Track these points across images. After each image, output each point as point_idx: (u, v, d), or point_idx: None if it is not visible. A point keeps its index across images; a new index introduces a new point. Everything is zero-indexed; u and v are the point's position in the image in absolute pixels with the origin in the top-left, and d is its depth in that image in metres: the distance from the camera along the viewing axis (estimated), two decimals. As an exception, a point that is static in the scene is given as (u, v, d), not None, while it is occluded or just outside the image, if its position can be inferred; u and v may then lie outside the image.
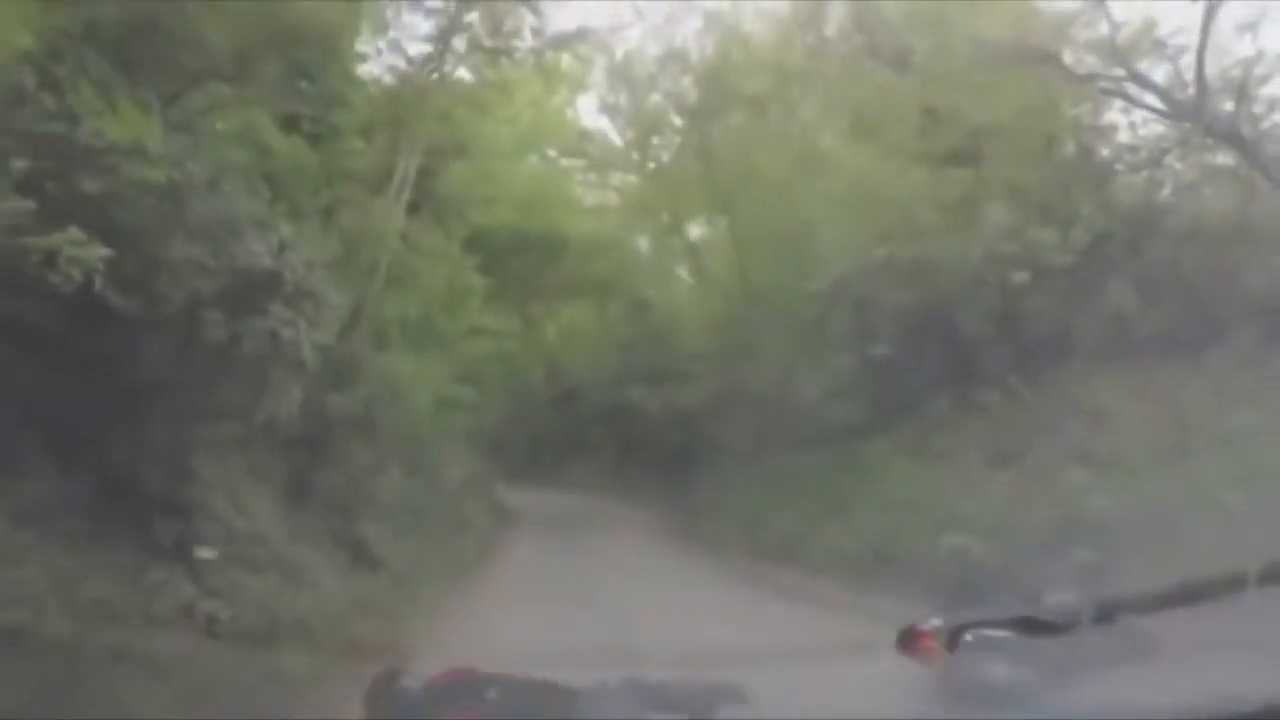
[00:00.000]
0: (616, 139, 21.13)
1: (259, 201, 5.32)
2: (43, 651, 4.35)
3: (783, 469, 13.43)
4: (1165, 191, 9.80)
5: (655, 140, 20.87)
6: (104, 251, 3.74)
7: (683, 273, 22.63)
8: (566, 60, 17.10)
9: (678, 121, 19.92)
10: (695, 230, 21.02)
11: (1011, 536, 8.12)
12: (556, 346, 25.43)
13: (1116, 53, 9.49)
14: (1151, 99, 9.30)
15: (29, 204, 3.56)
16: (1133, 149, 10.03)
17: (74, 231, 3.63)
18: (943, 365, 10.57)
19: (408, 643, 7.42)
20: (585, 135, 20.82)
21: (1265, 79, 10.81)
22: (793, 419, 13.91)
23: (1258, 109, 10.43)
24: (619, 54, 18.76)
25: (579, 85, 19.85)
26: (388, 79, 10.20)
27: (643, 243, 23.17)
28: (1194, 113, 8.84)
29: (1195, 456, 7.96)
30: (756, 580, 11.29)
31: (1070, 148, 10.66)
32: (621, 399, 21.33)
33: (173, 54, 4.82)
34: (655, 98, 19.73)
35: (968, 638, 5.13)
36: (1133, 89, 9.37)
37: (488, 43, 11.47)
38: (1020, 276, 8.92)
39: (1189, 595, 5.25)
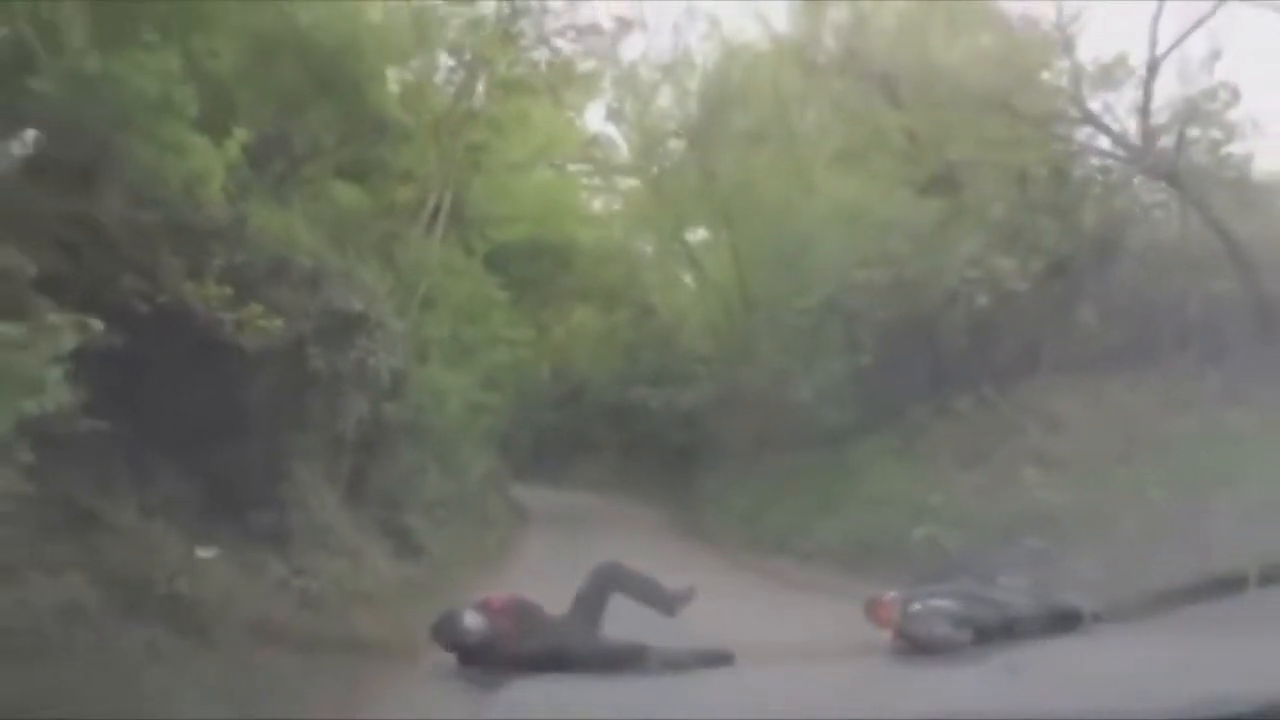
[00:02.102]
0: (622, 144, 22.21)
1: (341, 251, 6.46)
2: (175, 613, 5.51)
3: (778, 467, 14.57)
4: (1120, 221, 10.90)
5: (659, 147, 21.94)
6: (279, 322, 4.89)
7: (687, 278, 23.65)
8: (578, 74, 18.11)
9: (680, 133, 21.01)
10: (698, 239, 22.08)
11: (975, 527, 9.28)
12: (563, 347, 26.36)
13: (1075, 97, 10.61)
14: (1104, 140, 10.44)
15: (228, 290, 4.70)
16: (1090, 182, 11.14)
17: (255, 307, 4.76)
18: (922, 375, 11.75)
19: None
20: (592, 141, 21.81)
21: (1207, 117, 12.05)
22: (787, 421, 15.05)
23: (1198, 149, 11.67)
24: (624, 62, 19.84)
25: (588, 95, 20.83)
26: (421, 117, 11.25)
27: (649, 251, 24.22)
28: (1139, 154, 9.96)
29: (1135, 459, 9.12)
30: (753, 569, 12.43)
31: (1040, 179, 11.76)
32: (626, 399, 22.20)
33: (284, 146, 5.93)
34: (660, 104, 20.78)
35: (916, 606, 6.41)
36: (1089, 131, 10.50)
37: (510, 74, 12.53)
38: (982, 300, 10.06)
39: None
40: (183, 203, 4.87)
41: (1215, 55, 11.95)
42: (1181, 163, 9.90)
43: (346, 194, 7.60)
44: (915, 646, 6.31)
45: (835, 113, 13.71)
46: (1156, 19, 10.09)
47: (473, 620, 4.46)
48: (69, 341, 3.14)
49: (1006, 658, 6.04)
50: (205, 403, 5.95)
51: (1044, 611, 6.93)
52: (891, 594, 6.67)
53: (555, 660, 4.41)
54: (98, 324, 3.27)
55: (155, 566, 5.04)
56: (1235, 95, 12.64)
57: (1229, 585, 5.64)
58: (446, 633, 4.55)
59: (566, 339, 25.79)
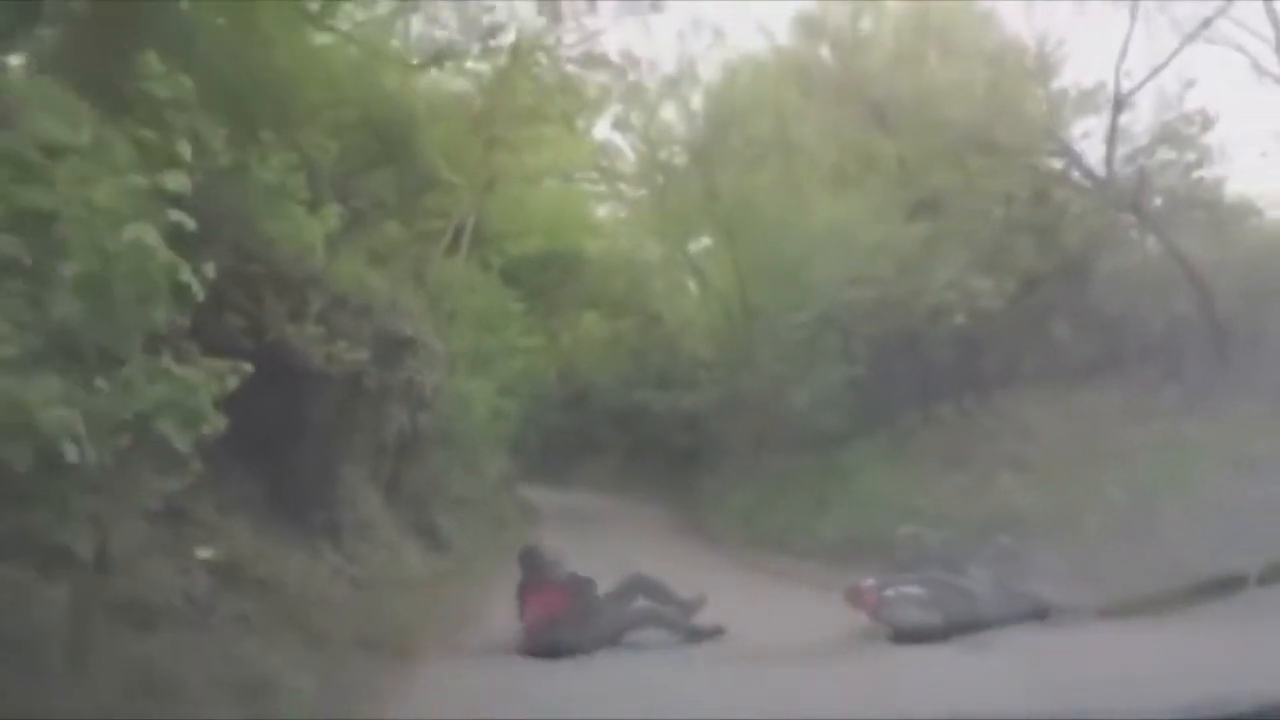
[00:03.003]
0: (628, 152, 23.01)
1: (391, 283, 7.39)
2: (250, 591, 6.41)
3: (776, 469, 15.46)
4: (1092, 244, 11.80)
5: (663, 156, 22.80)
6: (364, 354, 5.82)
7: (692, 285, 24.48)
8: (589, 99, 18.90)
9: (684, 146, 21.87)
10: (701, 247, 22.93)
11: (954, 526, 10.16)
12: (570, 351, 27.13)
13: (1050, 128, 11.51)
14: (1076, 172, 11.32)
15: (322, 329, 5.62)
16: (1068, 205, 12.03)
17: (342, 344, 5.69)
18: (910, 385, 12.64)
19: (474, 603, 9.58)
20: (598, 149, 22.63)
21: (1182, 142, 12.96)
22: (785, 425, 15.95)
23: (1173, 171, 12.58)
24: (631, 72, 20.61)
25: (597, 112, 21.63)
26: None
27: (654, 258, 25.06)
28: (1104, 185, 10.85)
29: (1099, 464, 10.02)
30: (752, 565, 13.27)
31: (1020, 201, 12.67)
32: (631, 401, 23.02)
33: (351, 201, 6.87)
34: (665, 115, 21.63)
35: (889, 592, 7.39)
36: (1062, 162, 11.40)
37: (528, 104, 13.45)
38: (960, 318, 10.97)
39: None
40: (284, 257, 5.79)
41: (1189, 84, 12.95)
42: (1145, 193, 10.78)
43: (393, 232, 8.54)
44: (889, 627, 7.27)
45: (829, 136, 14.60)
46: (1120, 60, 10.96)
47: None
48: (232, 383, 4.01)
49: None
50: (273, 414, 6.86)
51: (1006, 600, 7.91)
52: (869, 582, 7.66)
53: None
54: (248, 367, 4.14)
55: (237, 554, 5.94)
56: (1208, 122, 13.65)
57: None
58: (528, 558, 6.54)
59: (574, 344, 26.72)
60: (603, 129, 22.89)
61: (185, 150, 3.70)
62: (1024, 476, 10.41)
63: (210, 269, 3.76)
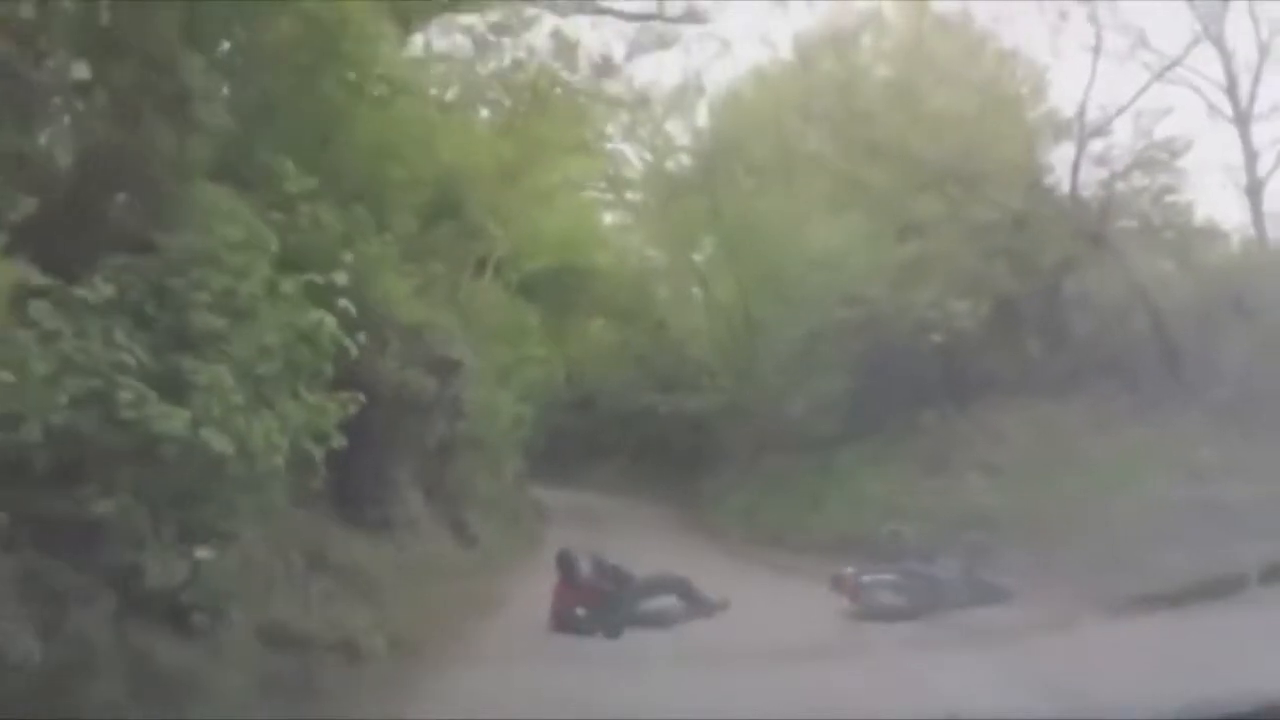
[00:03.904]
0: (635, 161, 23.98)
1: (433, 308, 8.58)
2: (332, 572, 7.59)
3: (773, 471, 16.61)
4: (1060, 268, 12.96)
5: (670, 165, 23.94)
6: (432, 381, 7.00)
7: (697, 293, 25.56)
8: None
9: (690, 154, 22.97)
10: (706, 258, 23.99)
11: (931, 522, 11.33)
12: (579, 356, 28.15)
13: (1024, 161, 12.66)
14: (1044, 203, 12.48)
15: (396, 361, 6.82)
16: (1040, 236, 13.19)
17: (412, 371, 6.89)
18: (896, 396, 13.79)
19: (499, 588, 10.82)
20: (607, 159, 23.66)
21: (1154, 167, 14.13)
22: (783, 430, 17.09)
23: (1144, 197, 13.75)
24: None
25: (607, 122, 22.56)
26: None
27: (660, 265, 26.13)
28: (1069, 216, 12.02)
29: (1060, 468, 11.19)
30: (751, 559, 14.43)
31: (1000, 230, 13.83)
32: (638, 404, 23.99)
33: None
34: (671, 128, 22.72)
35: (866, 579, 8.64)
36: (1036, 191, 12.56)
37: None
38: (937, 337, 12.16)
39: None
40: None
41: (1165, 113, 14.15)
42: (1106, 222, 11.95)
43: (435, 267, 9.70)
44: (866, 609, 8.49)
45: (826, 163, 15.79)
46: (1085, 99, 12.13)
47: (585, 566, 7.22)
48: (352, 409, 5.18)
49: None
50: (345, 428, 8.05)
51: (971, 587, 9.11)
52: (850, 570, 8.88)
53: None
54: (362, 397, 5.31)
55: (323, 543, 7.13)
56: (1180, 149, 14.89)
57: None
58: (564, 564, 7.78)
59: (583, 350, 27.75)
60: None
61: (346, 256, 4.92)
62: (994, 479, 11.61)
63: (362, 337, 4.94)
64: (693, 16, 14.81)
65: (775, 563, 13.68)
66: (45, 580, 3.30)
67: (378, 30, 7.05)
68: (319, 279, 4.78)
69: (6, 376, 3.19)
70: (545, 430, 25.50)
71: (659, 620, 8.16)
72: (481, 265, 12.61)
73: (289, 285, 4.76)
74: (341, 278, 4.91)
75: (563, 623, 8.10)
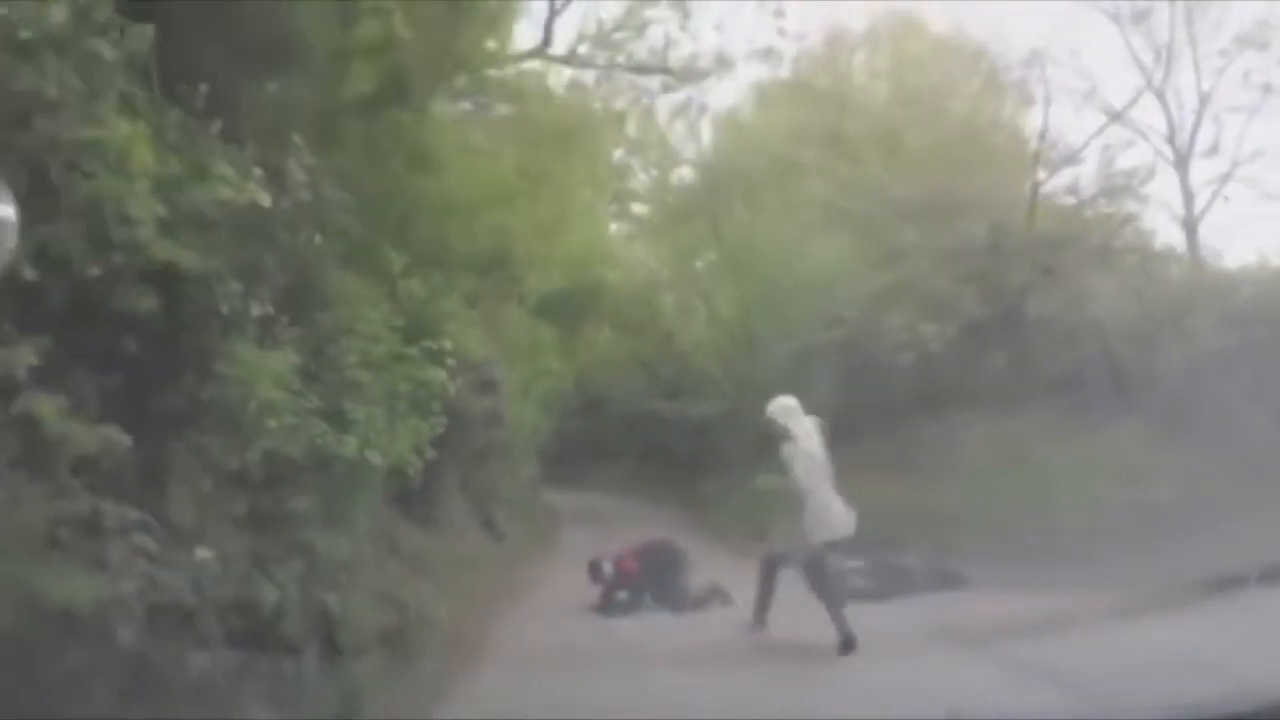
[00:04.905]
0: (640, 173, 25.37)
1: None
2: (401, 558, 9.18)
3: (768, 474, 18.17)
4: (1020, 293, 14.55)
5: (673, 179, 25.55)
6: (490, 401, 8.69)
7: (700, 307, 27.10)
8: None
9: (692, 167, 24.58)
10: (708, 277, 25.55)
11: (903, 518, 12.91)
12: (588, 364, 29.57)
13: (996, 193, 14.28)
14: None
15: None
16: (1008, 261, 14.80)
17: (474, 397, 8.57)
18: (876, 407, 15.39)
19: (527, 577, 12.47)
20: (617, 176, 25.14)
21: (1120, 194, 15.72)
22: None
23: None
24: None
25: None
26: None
27: (665, 278, 27.68)
28: (1024, 248, 13.65)
29: (1016, 473, 12.78)
30: (748, 554, 16.03)
31: (972, 255, 15.42)
32: (644, 409, 25.30)
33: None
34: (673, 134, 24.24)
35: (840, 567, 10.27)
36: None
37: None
38: (908, 358, 13.76)
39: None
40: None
41: (1129, 144, 15.79)
42: (1057, 253, 13.57)
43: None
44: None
45: (813, 194, 17.44)
46: (1036, 153, 13.73)
47: (608, 567, 8.77)
48: (440, 428, 6.81)
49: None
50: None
51: (930, 574, 10.71)
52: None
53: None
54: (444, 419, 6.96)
55: (395, 534, 8.75)
56: (1144, 178, 16.52)
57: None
58: (594, 571, 9.27)
59: (592, 359, 29.19)
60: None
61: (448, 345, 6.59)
62: (960, 482, 13.18)
63: (459, 382, 6.56)
64: (694, 75, 16.37)
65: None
66: (261, 553, 4.85)
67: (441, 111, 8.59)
68: (433, 345, 6.47)
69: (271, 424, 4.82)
70: (555, 435, 27.17)
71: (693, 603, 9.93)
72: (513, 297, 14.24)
73: (412, 350, 6.45)
74: (448, 344, 6.57)
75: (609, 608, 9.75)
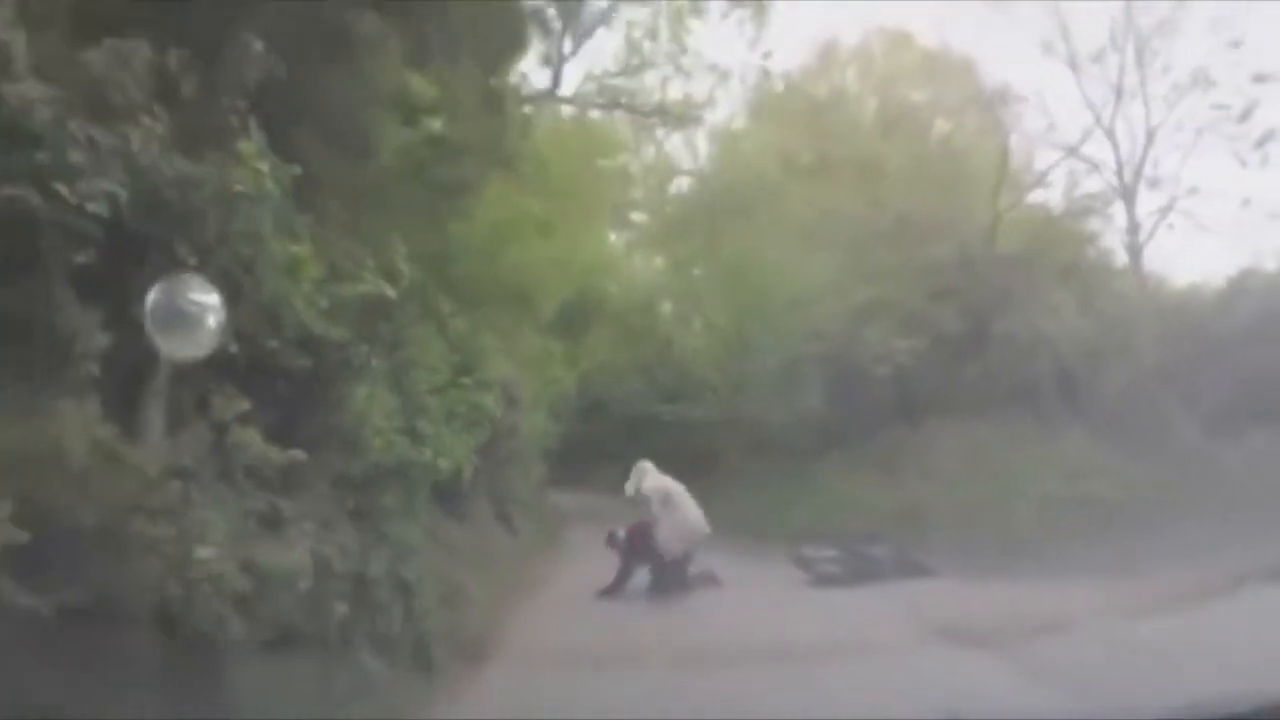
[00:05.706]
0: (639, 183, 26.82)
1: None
2: (443, 546, 10.65)
3: (760, 474, 19.71)
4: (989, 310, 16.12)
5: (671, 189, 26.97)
6: (516, 416, 10.21)
7: (697, 321, 28.52)
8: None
9: (689, 176, 26.04)
10: (704, 288, 26.98)
11: (882, 516, 14.46)
12: (590, 369, 30.81)
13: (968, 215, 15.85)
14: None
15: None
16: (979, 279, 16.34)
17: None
18: (859, 414, 16.94)
19: (543, 568, 13.99)
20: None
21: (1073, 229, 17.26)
22: (769, 439, 20.18)
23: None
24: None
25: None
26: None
27: (664, 285, 29.12)
28: (985, 271, 15.23)
29: (979, 474, 14.33)
30: (737, 548, 17.57)
31: (946, 272, 16.95)
32: (644, 412, 26.49)
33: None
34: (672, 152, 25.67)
35: (809, 553, 12.03)
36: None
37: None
38: (885, 369, 15.30)
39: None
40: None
41: (1093, 168, 17.31)
42: (1016, 275, 15.14)
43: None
44: (814, 577, 11.62)
45: (803, 215, 18.97)
46: (1001, 176, 15.26)
47: (621, 534, 10.96)
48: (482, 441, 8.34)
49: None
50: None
51: (899, 563, 12.23)
52: (806, 549, 12.00)
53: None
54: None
55: (436, 530, 10.23)
56: (1108, 199, 18.05)
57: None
58: (611, 539, 11.20)
59: (594, 365, 30.52)
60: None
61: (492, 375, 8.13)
62: (931, 482, 14.76)
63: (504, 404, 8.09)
64: (692, 119, 17.82)
65: (754, 549, 16.82)
66: (363, 537, 6.35)
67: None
68: (483, 376, 7.98)
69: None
70: (559, 438, 28.45)
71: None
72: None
73: (467, 379, 7.98)
74: (492, 373, 8.10)
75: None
